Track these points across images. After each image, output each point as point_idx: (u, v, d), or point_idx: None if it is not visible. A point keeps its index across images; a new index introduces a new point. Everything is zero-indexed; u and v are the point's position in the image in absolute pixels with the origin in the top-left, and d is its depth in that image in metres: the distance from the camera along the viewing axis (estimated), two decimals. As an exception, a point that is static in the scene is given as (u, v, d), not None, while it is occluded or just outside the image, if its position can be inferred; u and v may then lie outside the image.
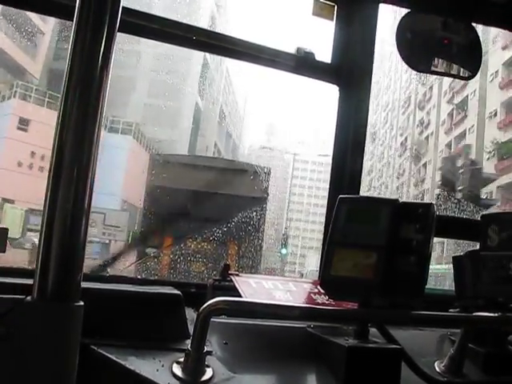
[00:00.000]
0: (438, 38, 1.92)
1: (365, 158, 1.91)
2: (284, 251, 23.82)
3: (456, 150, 29.43)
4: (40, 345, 0.88)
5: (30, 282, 0.91)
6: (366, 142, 1.87)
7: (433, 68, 1.95)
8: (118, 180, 18.75)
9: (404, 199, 1.27)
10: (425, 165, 33.26)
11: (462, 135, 29.68)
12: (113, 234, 16.69)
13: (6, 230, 1.57)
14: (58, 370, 0.89)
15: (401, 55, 1.87)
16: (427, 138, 34.27)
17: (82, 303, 0.91)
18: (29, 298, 0.90)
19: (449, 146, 31.07)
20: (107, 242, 16.16)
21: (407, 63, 1.91)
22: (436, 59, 1.94)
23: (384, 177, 39.53)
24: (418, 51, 1.92)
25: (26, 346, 0.88)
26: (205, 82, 26.65)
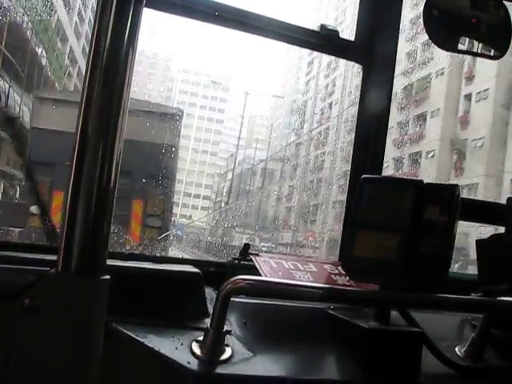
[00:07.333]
0: (466, 16, 1.86)
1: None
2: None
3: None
4: (66, 317, 0.88)
5: (53, 257, 0.91)
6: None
7: (460, 47, 1.90)
8: None
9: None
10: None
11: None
12: None
13: (24, 206, 1.58)
14: (84, 343, 0.90)
15: (428, 33, 1.82)
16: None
17: (108, 277, 0.91)
18: (53, 270, 0.90)
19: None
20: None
21: (434, 41, 1.86)
22: (463, 38, 1.89)
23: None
24: (445, 29, 1.87)
25: (52, 319, 0.89)
26: None
